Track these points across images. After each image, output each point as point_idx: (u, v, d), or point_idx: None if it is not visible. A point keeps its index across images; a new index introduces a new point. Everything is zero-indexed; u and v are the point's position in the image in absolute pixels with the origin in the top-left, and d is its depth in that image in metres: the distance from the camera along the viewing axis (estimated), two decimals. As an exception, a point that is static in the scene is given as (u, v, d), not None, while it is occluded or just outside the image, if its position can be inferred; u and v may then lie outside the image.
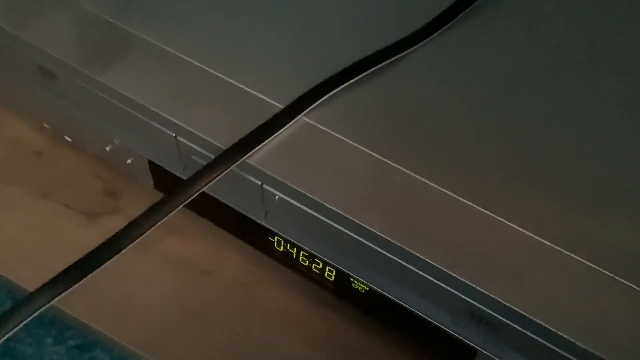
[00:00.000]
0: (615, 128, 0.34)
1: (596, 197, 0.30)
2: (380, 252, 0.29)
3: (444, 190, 0.30)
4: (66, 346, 0.41)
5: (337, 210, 0.29)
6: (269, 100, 0.33)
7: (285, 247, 0.35)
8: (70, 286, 0.26)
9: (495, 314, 0.27)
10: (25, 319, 0.25)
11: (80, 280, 0.26)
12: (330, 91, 0.33)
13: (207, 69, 0.34)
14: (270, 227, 0.34)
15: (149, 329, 0.37)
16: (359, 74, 0.34)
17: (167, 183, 0.38)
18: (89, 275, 0.26)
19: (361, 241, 0.30)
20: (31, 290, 0.26)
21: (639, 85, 0.36)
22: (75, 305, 0.37)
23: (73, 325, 0.38)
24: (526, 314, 0.26)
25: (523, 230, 0.29)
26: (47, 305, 0.26)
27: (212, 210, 0.37)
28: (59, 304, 0.26)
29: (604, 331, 0.26)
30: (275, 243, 0.36)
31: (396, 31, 0.36)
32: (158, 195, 0.30)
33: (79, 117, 0.38)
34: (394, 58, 0.35)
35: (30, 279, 0.37)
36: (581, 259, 0.28)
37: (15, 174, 0.43)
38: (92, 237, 0.27)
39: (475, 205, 0.29)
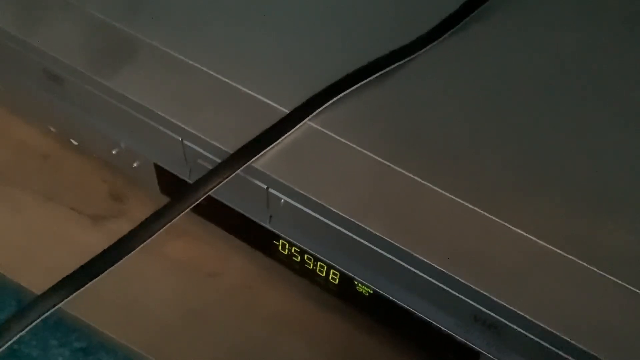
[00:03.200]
0: (618, 132, 0.34)
1: (600, 201, 0.31)
2: (385, 256, 0.30)
3: (448, 194, 0.30)
4: (71, 348, 0.41)
5: (341, 214, 0.29)
6: (274, 104, 0.33)
7: (289, 250, 0.35)
8: (78, 289, 0.26)
9: (498, 317, 0.28)
10: (34, 321, 0.26)
11: (88, 283, 0.26)
12: (335, 96, 0.33)
13: (214, 73, 0.34)
14: (275, 231, 0.34)
15: (153, 331, 0.37)
16: (363, 79, 0.34)
17: (172, 187, 0.38)
18: (97, 278, 0.27)
19: (365, 244, 0.30)
20: (37, 292, 0.26)
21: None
22: (80, 307, 0.37)
23: (78, 327, 0.38)
24: (529, 318, 0.26)
25: (526, 235, 0.29)
26: (55, 308, 0.26)
27: (217, 214, 0.37)
28: (65, 307, 0.27)
29: (607, 335, 0.26)
30: (280, 246, 0.36)
31: (400, 37, 0.36)
32: (163, 199, 0.30)
33: (86, 121, 0.39)
34: (398, 63, 0.35)
35: (35, 282, 0.37)
36: (585, 263, 0.28)
37: (22, 177, 0.43)
38: (97, 240, 0.28)
39: (479, 210, 0.30)
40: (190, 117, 0.32)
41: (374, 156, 0.31)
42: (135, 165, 0.38)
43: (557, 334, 0.26)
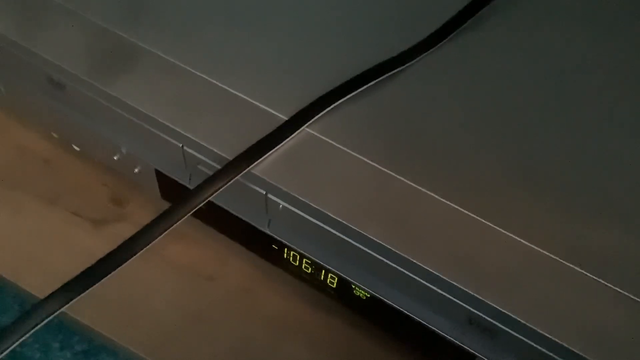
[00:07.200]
0: (613, 138, 0.34)
1: (592, 207, 0.31)
2: (381, 260, 0.30)
3: (444, 200, 0.30)
4: (72, 351, 0.41)
5: (339, 219, 0.30)
6: (273, 111, 0.33)
7: (288, 254, 0.36)
8: (82, 292, 0.26)
9: (492, 321, 0.28)
10: (37, 325, 0.26)
11: (91, 287, 0.27)
12: (333, 103, 0.33)
13: (214, 81, 0.35)
14: (273, 235, 0.35)
15: (153, 333, 0.37)
16: (361, 86, 0.34)
17: (173, 192, 0.38)
18: (100, 282, 0.27)
19: (362, 249, 0.30)
20: (38, 296, 0.27)
21: (639, 95, 0.37)
22: (82, 310, 0.37)
23: (79, 330, 0.38)
24: (523, 321, 0.27)
25: (520, 240, 0.29)
26: (59, 311, 0.26)
27: (217, 218, 0.38)
28: (67, 310, 0.27)
29: (599, 338, 0.26)
30: (279, 250, 0.36)
31: (397, 44, 0.37)
32: (163, 204, 0.31)
33: (87, 127, 0.39)
34: (395, 70, 0.36)
35: (37, 285, 0.38)
36: (577, 268, 0.28)
37: (24, 181, 0.43)
38: (98, 244, 0.28)
39: (473, 215, 0.30)
40: (191, 124, 0.33)
41: (372, 163, 0.32)
42: (136, 170, 0.39)
43: (551, 337, 0.26)
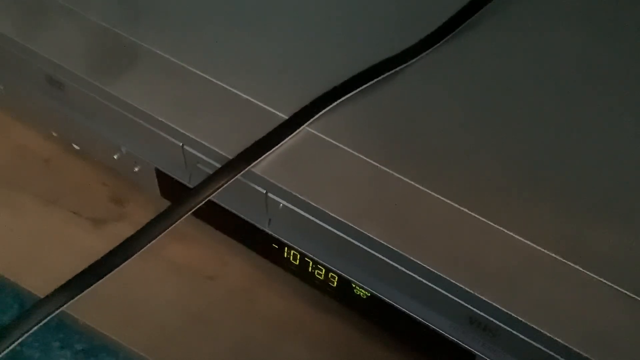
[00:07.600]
0: (613, 137, 0.34)
1: (593, 206, 0.31)
2: (382, 259, 0.30)
3: (444, 199, 0.30)
4: (73, 350, 0.41)
5: (339, 218, 0.30)
6: (273, 110, 0.34)
7: (288, 253, 0.36)
8: (82, 291, 0.27)
9: (493, 320, 0.28)
10: (37, 323, 0.26)
11: (91, 286, 0.27)
12: (333, 102, 0.33)
13: (214, 80, 0.35)
14: (274, 234, 0.35)
15: (154, 333, 0.37)
16: (361, 85, 0.34)
17: (173, 191, 0.38)
18: (100, 281, 0.27)
19: (363, 248, 0.30)
20: (38, 295, 0.27)
21: (637, 96, 0.37)
22: (82, 309, 0.37)
23: (79, 329, 0.38)
24: (524, 320, 0.27)
25: (521, 239, 0.29)
26: (59, 310, 0.26)
27: (217, 217, 0.38)
28: (67, 309, 0.27)
29: (600, 337, 0.26)
30: (279, 249, 0.36)
31: (397, 43, 0.37)
32: (163, 203, 0.31)
33: (87, 126, 0.39)
34: (395, 70, 0.36)
35: (37, 284, 0.38)
36: (578, 267, 0.28)
37: (24, 180, 0.43)
38: (98, 244, 0.28)
39: (474, 214, 0.30)
40: (191, 123, 0.33)
41: (372, 161, 0.32)
42: (136, 169, 0.39)
43: (551, 336, 0.26)
